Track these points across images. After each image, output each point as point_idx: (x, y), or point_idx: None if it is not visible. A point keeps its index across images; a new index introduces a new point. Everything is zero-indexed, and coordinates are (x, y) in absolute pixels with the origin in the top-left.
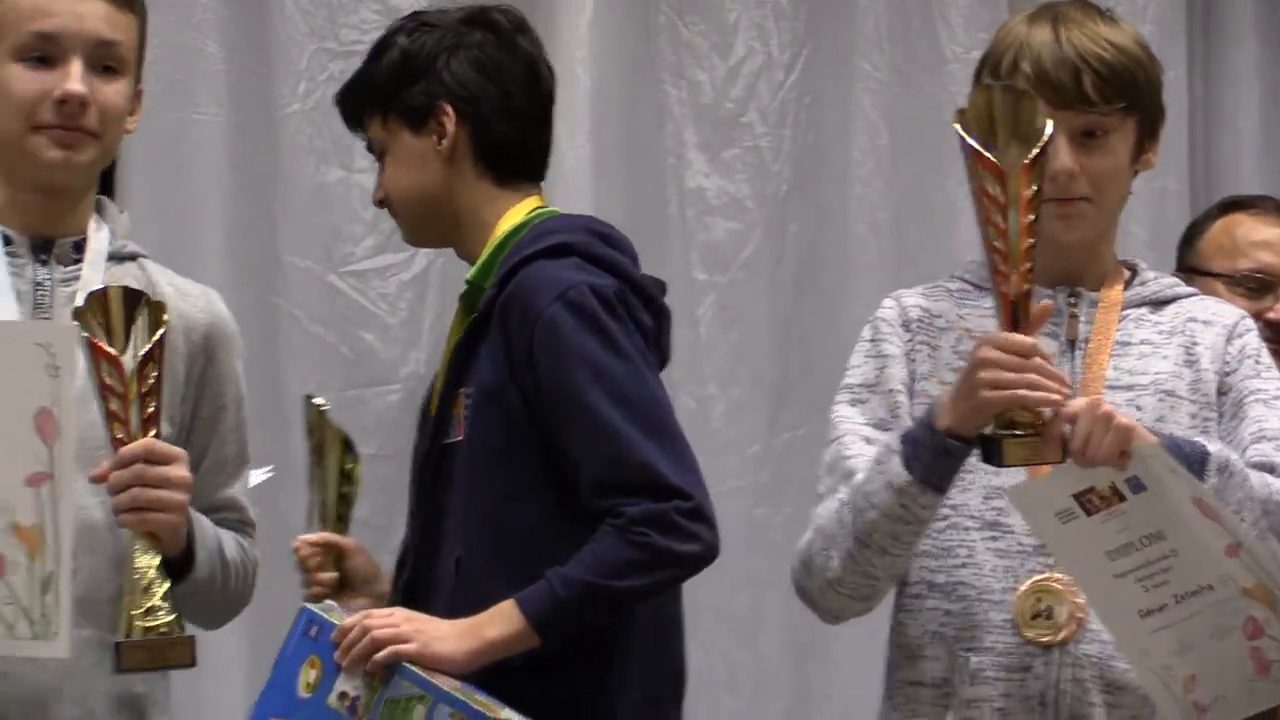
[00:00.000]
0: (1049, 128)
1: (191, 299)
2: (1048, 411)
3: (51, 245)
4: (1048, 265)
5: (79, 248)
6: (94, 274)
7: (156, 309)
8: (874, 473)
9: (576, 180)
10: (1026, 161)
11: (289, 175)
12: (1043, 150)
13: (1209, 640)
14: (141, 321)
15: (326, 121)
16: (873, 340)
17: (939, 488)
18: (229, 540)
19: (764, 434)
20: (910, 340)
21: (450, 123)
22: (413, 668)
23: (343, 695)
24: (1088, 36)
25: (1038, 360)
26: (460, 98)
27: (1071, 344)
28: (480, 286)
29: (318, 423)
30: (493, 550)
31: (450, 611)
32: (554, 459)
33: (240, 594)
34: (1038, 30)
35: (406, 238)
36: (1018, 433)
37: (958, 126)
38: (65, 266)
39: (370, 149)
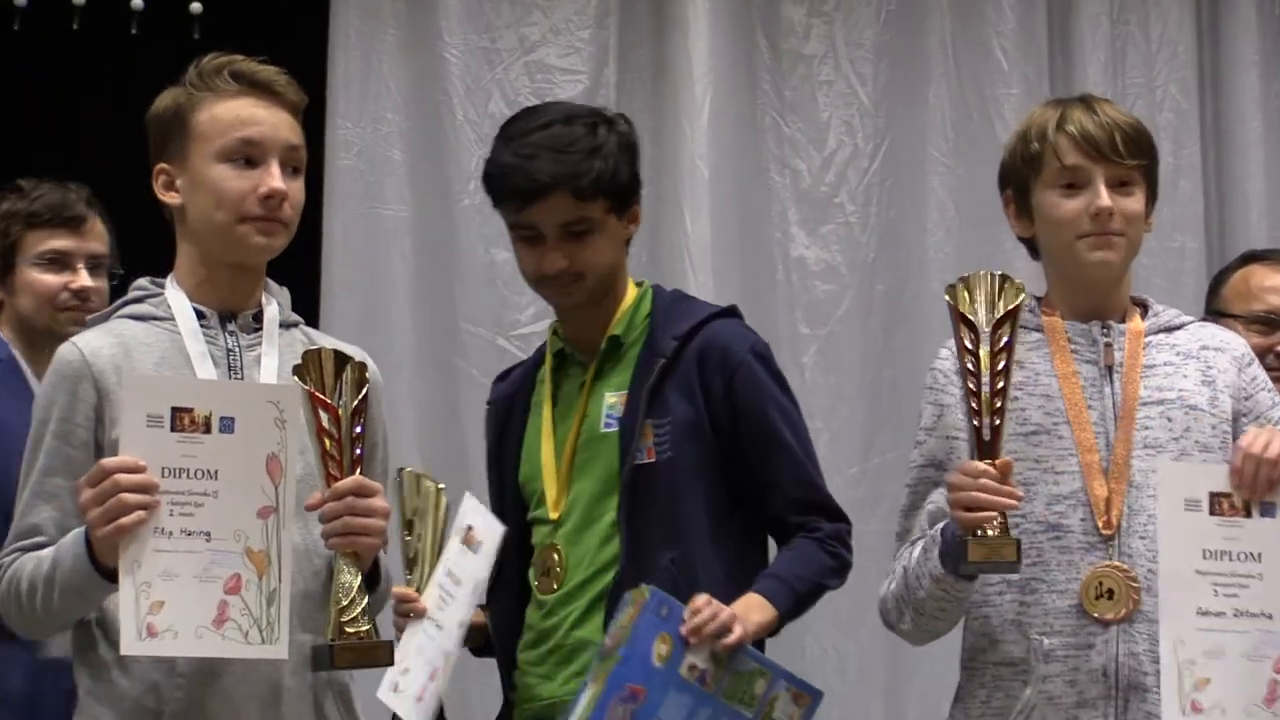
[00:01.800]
0: (1019, 299)
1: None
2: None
3: (235, 317)
4: (1082, 303)
5: (256, 319)
6: (272, 340)
7: (359, 368)
8: (922, 559)
9: (699, 255)
10: (998, 317)
11: (463, 256)
12: (1010, 312)
13: (1239, 657)
14: (347, 377)
15: (493, 213)
16: (930, 388)
17: (969, 577)
18: (383, 556)
19: (860, 458)
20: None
21: (639, 216)
22: (749, 646)
23: (692, 667)
24: (1116, 111)
25: (984, 480)
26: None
27: (1109, 369)
28: (621, 340)
29: (415, 491)
30: (710, 549)
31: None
32: (739, 478)
33: (385, 602)
34: (1072, 108)
35: (576, 302)
36: (979, 535)
37: (947, 296)
38: (248, 335)
39: (570, 226)
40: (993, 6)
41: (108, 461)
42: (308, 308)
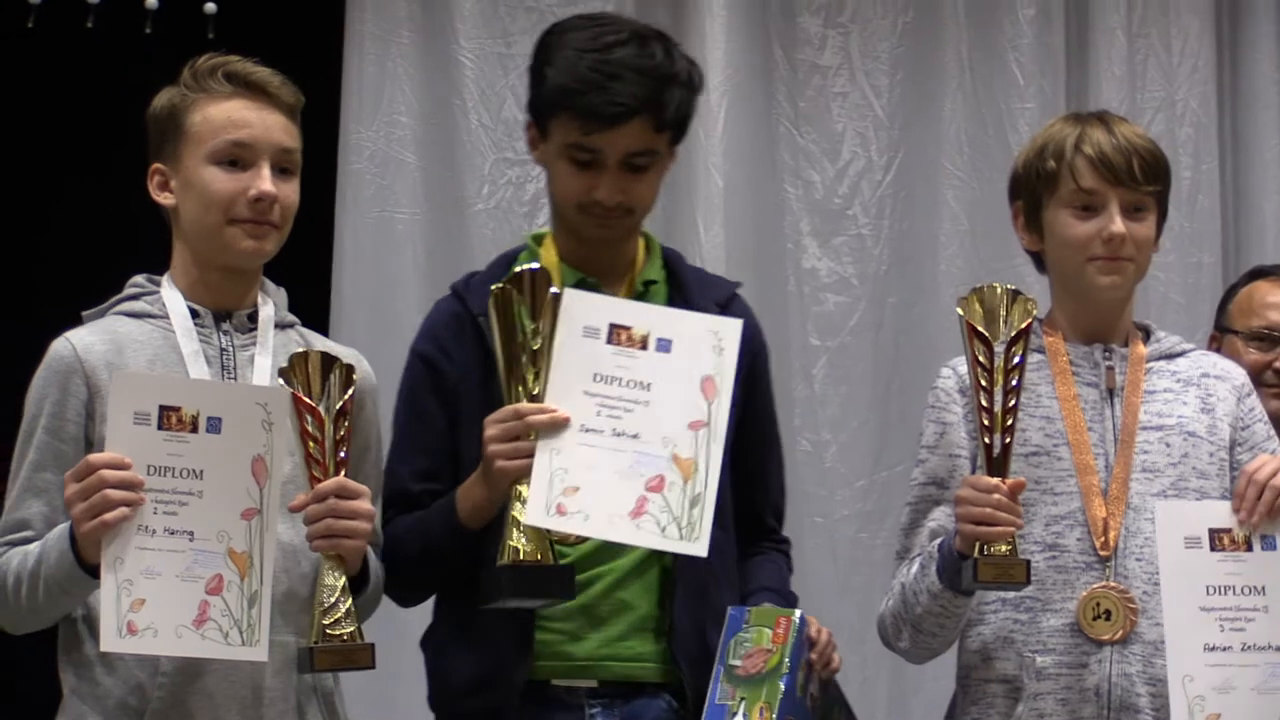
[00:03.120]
0: (1029, 319)
1: (345, 359)
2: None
3: (230, 317)
4: (1085, 325)
5: (251, 319)
6: (266, 340)
7: (347, 370)
8: (919, 575)
9: (712, 263)
10: (1013, 334)
11: (476, 262)
12: (1024, 331)
13: (1250, 691)
14: (334, 379)
15: (506, 218)
16: (932, 406)
17: (967, 593)
18: (373, 558)
19: (868, 471)
20: (967, 405)
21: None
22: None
23: (812, 696)
24: (1134, 133)
25: (997, 497)
26: None
27: (1110, 392)
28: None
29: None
30: (724, 532)
31: (721, 591)
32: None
33: (377, 602)
34: (1090, 127)
35: (615, 237)
36: (990, 553)
37: (959, 309)
38: (242, 334)
39: (635, 157)
40: (1009, 19)
41: (94, 457)
42: (318, 311)
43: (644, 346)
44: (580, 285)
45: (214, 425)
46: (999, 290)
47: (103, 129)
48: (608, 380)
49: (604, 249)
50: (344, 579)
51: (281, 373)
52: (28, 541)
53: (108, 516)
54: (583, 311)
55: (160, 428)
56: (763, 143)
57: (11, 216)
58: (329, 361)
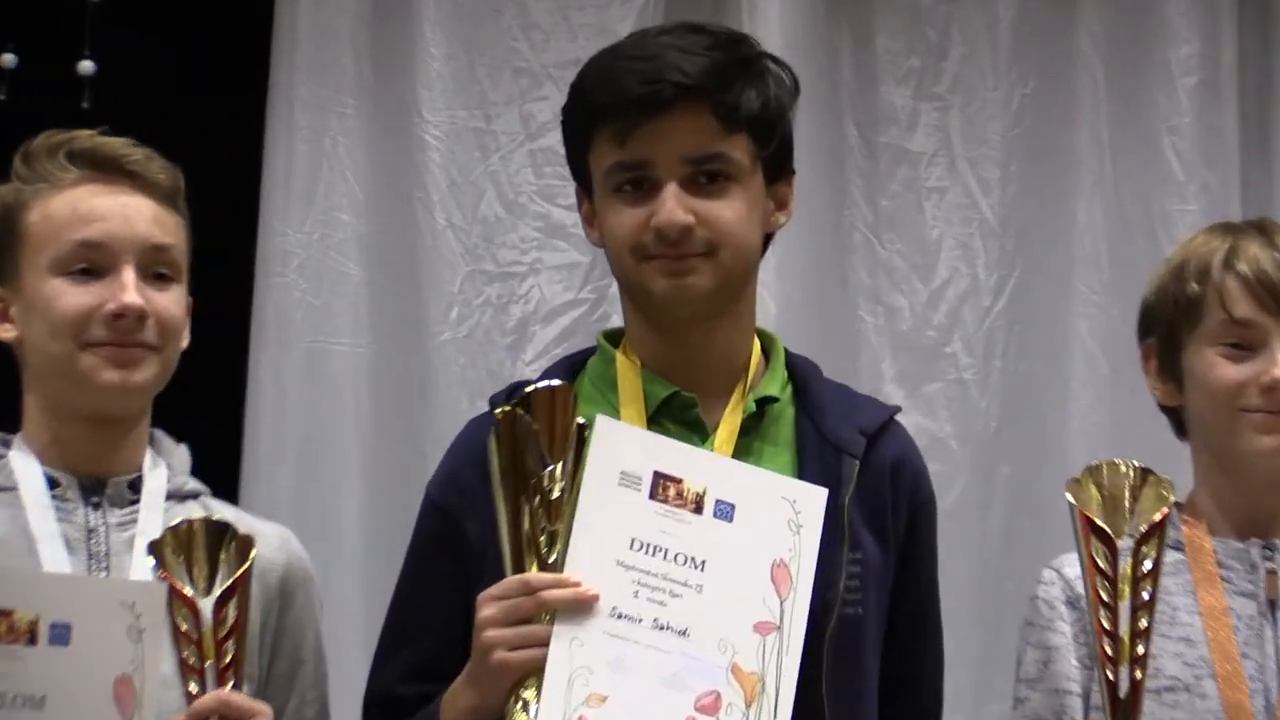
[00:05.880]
0: (1168, 505)
1: (265, 539)
2: None
3: (104, 486)
4: (1238, 510)
5: (134, 487)
6: (153, 516)
7: (244, 543)
8: None
9: None
10: (1144, 529)
11: (440, 409)
12: (1158, 525)
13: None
14: (226, 558)
15: (482, 350)
16: (1031, 624)
17: None
18: None
19: (970, 708)
20: (1080, 622)
21: (792, 201)
22: None
23: None
24: None
25: None
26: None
27: (1272, 604)
28: (774, 403)
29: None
30: None
31: None
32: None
33: None
34: (1245, 239)
35: (699, 290)
36: None
37: (1069, 495)
38: (120, 509)
39: (702, 163)
40: (1164, 92)
41: None
42: (226, 476)
43: (698, 509)
44: (672, 400)
45: (59, 635)
46: (1124, 469)
47: None
48: (649, 550)
49: (680, 331)
50: None
51: (152, 547)
52: None
53: None
54: (619, 450)
55: None
56: (830, 254)
57: None
58: (217, 532)
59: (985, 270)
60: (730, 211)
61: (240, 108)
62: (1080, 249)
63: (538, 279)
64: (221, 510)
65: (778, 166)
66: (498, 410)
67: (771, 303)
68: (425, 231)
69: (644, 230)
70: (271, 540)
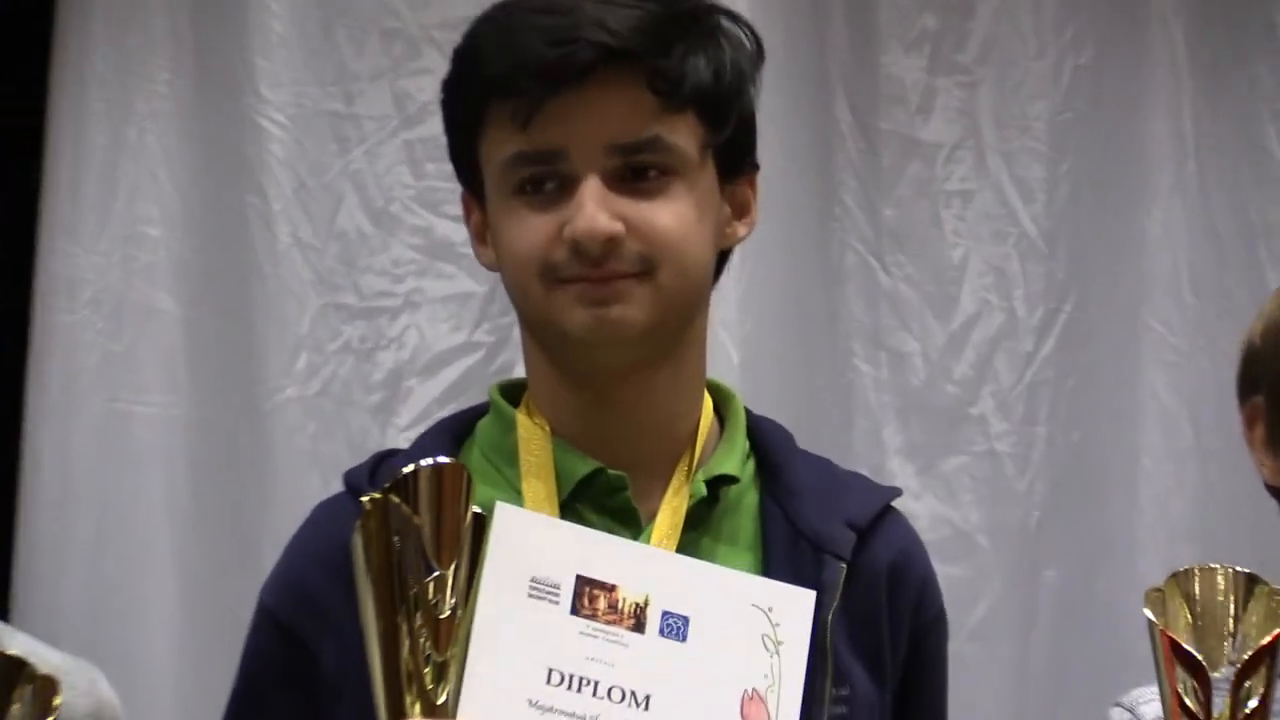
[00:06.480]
0: (1277, 627)
1: (68, 678)
2: None
3: None
4: None
5: None
6: None
7: (45, 686)
8: None
9: None
10: (1248, 657)
11: (281, 486)
12: (1267, 649)
13: None
14: (19, 709)
15: (339, 411)
16: None
17: None
18: None
19: None
20: None
21: (755, 206)
22: None
23: None
24: None
25: None
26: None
27: None
28: (733, 482)
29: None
30: None
31: None
32: None
33: None
34: None
35: (631, 322)
36: None
37: (1148, 611)
38: None
39: (631, 152)
40: (1267, 63)
41: None
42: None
43: (639, 626)
44: (594, 479)
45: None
46: (1221, 576)
47: None
48: (574, 684)
49: (624, 383)
50: None
51: None
52: None
53: None
54: (529, 549)
55: None
56: (814, 281)
57: None
58: (8, 673)
59: (1026, 304)
60: (671, 216)
61: (10, 84)
62: (1155, 274)
63: (415, 316)
64: (9, 639)
65: (736, 159)
66: (365, 498)
67: (733, 348)
68: (263, 252)
69: (555, 244)
70: (78, 681)
